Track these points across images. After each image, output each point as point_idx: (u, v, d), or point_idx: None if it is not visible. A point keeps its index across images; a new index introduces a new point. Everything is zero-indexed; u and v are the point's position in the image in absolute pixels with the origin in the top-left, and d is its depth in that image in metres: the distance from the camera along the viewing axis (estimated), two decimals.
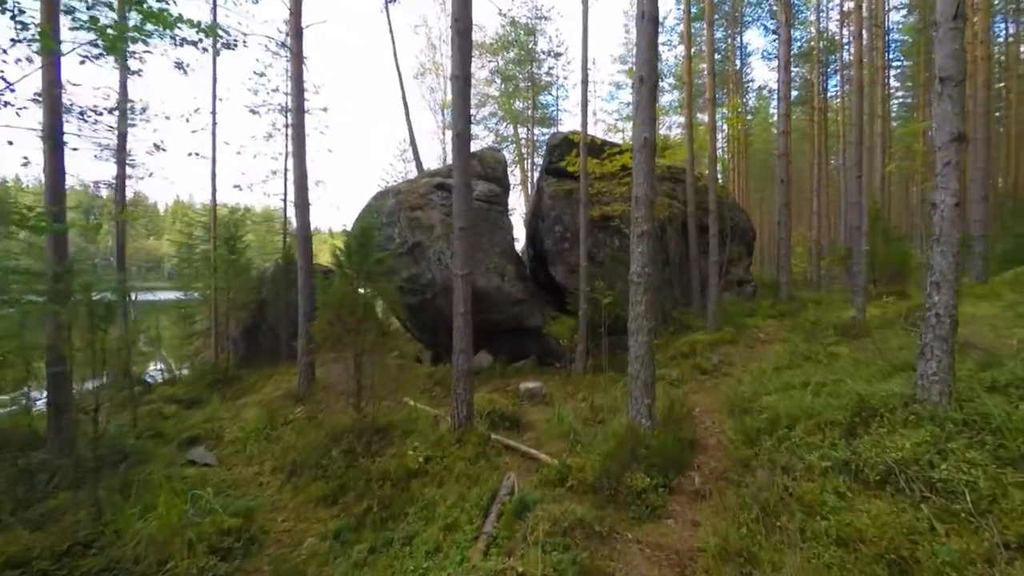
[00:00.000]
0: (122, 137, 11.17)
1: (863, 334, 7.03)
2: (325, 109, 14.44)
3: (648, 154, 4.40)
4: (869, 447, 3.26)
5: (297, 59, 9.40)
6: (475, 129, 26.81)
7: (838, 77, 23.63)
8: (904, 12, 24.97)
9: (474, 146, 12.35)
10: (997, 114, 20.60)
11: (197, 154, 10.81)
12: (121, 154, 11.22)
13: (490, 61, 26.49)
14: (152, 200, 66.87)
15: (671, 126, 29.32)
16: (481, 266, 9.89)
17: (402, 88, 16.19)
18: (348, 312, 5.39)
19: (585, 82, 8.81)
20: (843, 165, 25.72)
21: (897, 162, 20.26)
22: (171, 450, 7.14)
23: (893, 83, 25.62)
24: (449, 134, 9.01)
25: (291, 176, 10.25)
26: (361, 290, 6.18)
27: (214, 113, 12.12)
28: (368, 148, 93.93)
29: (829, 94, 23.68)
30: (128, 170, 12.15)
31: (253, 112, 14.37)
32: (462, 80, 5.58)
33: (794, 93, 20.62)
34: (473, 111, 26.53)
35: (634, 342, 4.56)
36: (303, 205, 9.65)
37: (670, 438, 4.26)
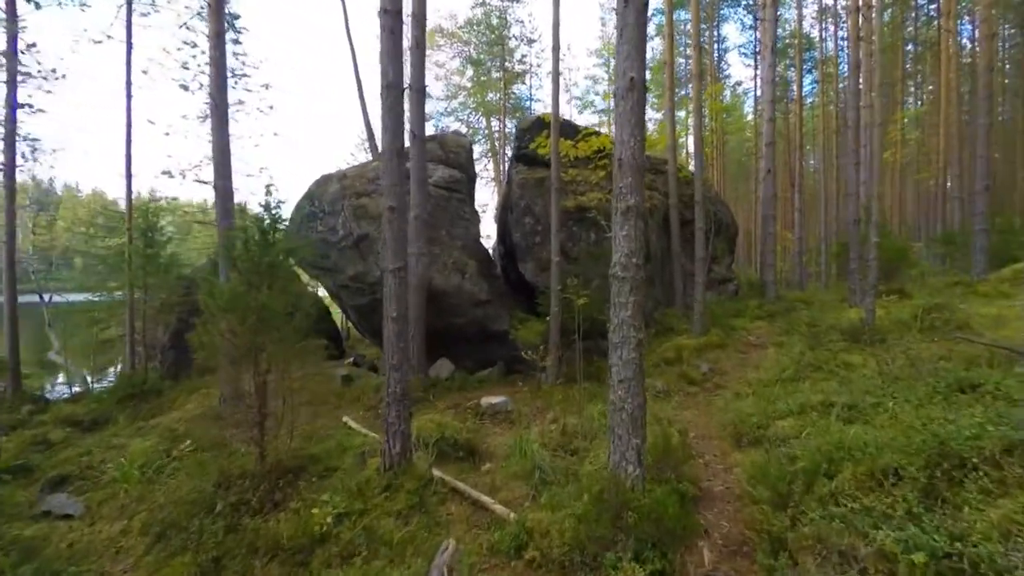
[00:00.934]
0: (11, 109, 9.35)
1: (878, 339, 6.03)
2: (267, 86, 12.89)
3: (636, 100, 3.18)
4: (976, 527, 2.13)
5: (216, 13, 7.87)
6: (446, 120, 25.48)
7: (815, 74, 23.31)
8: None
9: None
10: None
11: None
12: (10, 126, 9.38)
13: (462, 51, 25.29)
14: (111, 197, 62.87)
15: (646, 121, 28.60)
16: (438, 261, 8.57)
17: (355, 61, 14.70)
18: (239, 320, 4.00)
19: (556, 48, 7.60)
20: (822, 164, 25.51)
21: (892, 150, 19.83)
22: (32, 494, 5.60)
23: None
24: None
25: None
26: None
27: (129, 84, 10.39)
28: (332, 138, 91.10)
29: (804, 91, 23.30)
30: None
31: (184, 88, 12.67)
32: (393, 15, 4.27)
33: None
34: (444, 102, 25.23)
35: (617, 359, 3.33)
36: (225, 189, 8.13)
37: (667, 494, 3.06)
